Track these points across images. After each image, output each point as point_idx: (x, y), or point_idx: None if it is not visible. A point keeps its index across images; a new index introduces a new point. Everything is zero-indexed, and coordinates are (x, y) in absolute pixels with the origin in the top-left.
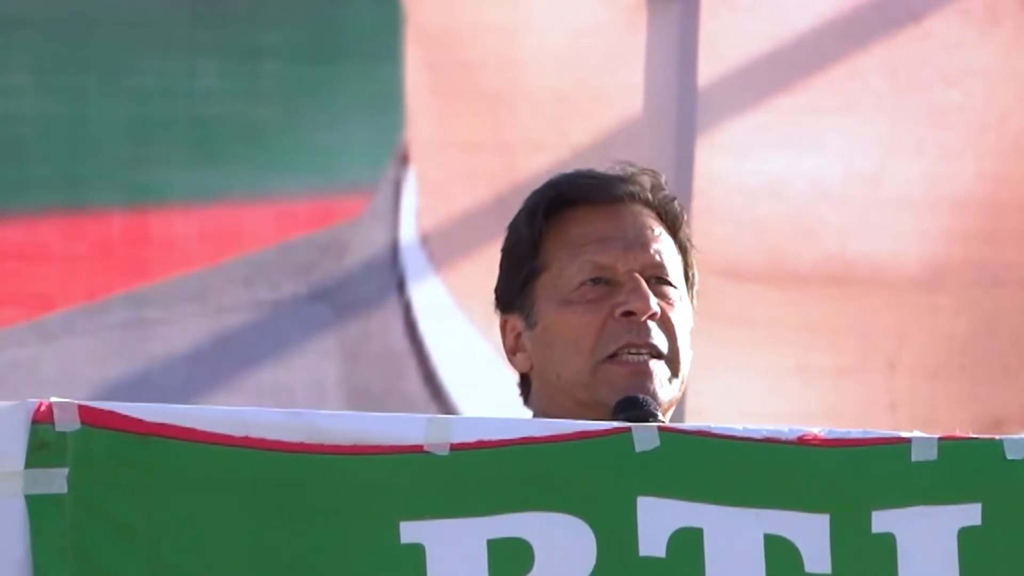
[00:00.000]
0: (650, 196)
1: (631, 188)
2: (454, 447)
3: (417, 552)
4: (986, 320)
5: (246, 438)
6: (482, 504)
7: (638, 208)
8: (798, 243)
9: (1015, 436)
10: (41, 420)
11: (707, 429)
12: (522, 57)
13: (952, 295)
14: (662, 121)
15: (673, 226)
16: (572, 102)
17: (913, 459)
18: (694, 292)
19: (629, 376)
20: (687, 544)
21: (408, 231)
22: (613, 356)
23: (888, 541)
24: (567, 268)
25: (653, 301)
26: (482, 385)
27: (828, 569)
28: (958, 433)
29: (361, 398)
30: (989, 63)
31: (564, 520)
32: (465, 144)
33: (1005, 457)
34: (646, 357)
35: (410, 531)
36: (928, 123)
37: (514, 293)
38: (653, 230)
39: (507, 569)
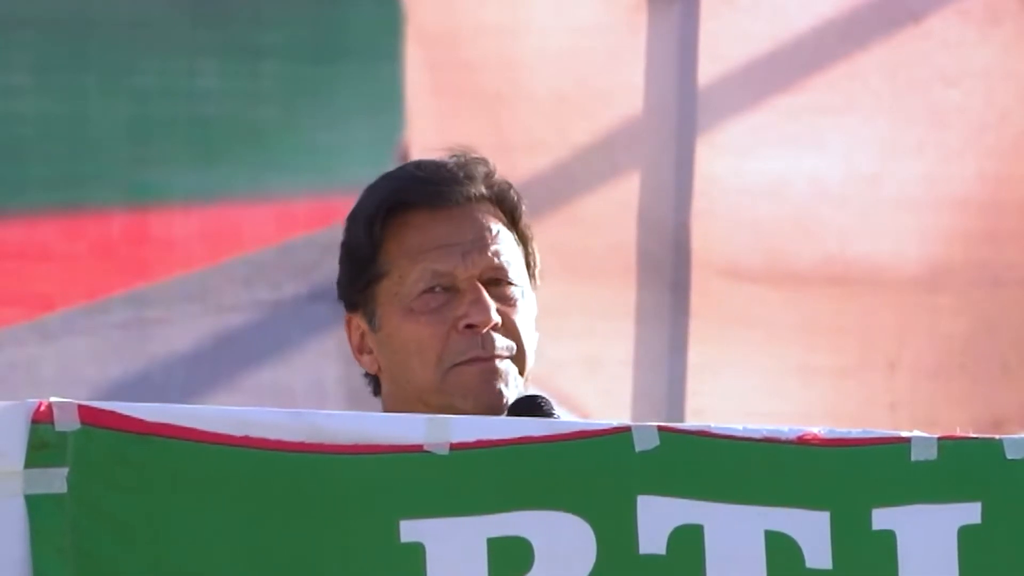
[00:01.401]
0: (485, 191)
1: (467, 188)
2: (454, 446)
3: (417, 551)
4: (986, 320)
5: (246, 438)
6: (482, 503)
7: (476, 207)
8: (798, 243)
9: (1015, 436)
10: (41, 420)
11: (707, 429)
12: (522, 57)
13: (952, 295)
14: (662, 121)
15: (512, 217)
16: (572, 102)
17: (913, 459)
18: (536, 276)
19: (478, 375)
20: (687, 541)
21: None
22: (457, 365)
23: (888, 538)
24: (407, 276)
25: (493, 311)
26: None
27: (829, 565)
28: (958, 433)
29: (361, 398)
30: (989, 63)
31: (564, 519)
32: (465, 144)
33: (1005, 457)
34: (494, 361)
35: (410, 530)
36: (928, 123)
37: (356, 294)
38: (491, 229)
39: (507, 568)
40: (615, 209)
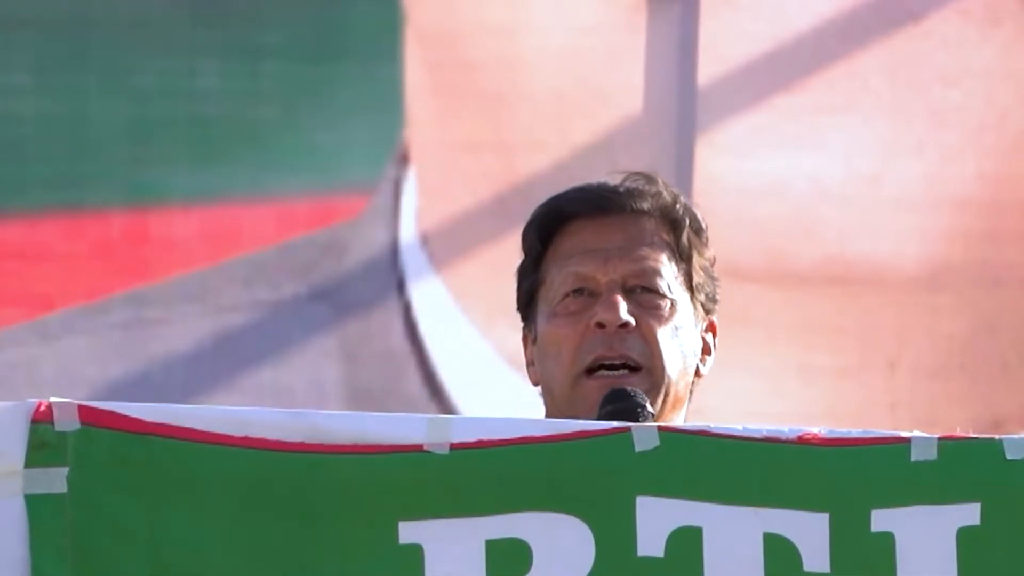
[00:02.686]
0: (646, 205)
1: (624, 200)
2: (454, 447)
3: (416, 552)
4: (986, 320)
5: (246, 438)
6: (481, 504)
7: (632, 217)
8: (798, 243)
9: (1015, 436)
10: (41, 420)
11: (707, 429)
12: (522, 57)
13: (952, 295)
14: (662, 121)
15: (674, 232)
16: (572, 102)
17: (913, 459)
18: (702, 297)
19: (600, 391)
20: (686, 543)
21: (408, 231)
22: (591, 371)
23: (887, 540)
24: (555, 281)
25: (623, 311)
26: (482, 385)
27: (827, 568)
28: (958, 433)
29: (361, 398)
30: (989, 63)
31: (563, 520)
32: (465, 144)
33: (1005, 457)
34: (624, 372)
35: (409, 531)
36: (928, 123)
37: (524, 307)
38: (642, 239)
39: (505, 570)
40: None
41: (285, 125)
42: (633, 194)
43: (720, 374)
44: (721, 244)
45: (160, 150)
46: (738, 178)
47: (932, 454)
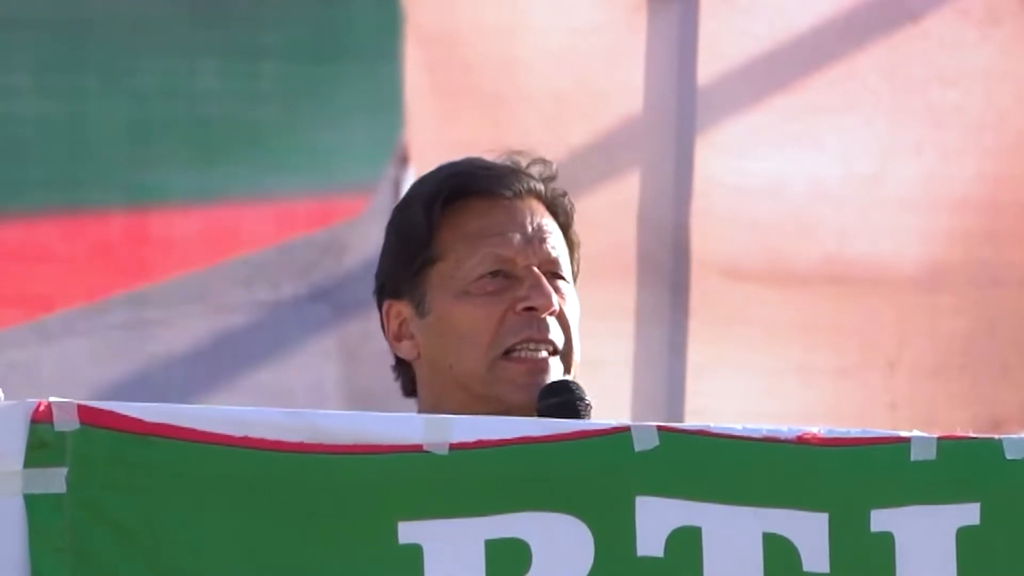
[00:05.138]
0: (543, 190)
1: (528, 183)
2: (453, 447)
3: (415, 553)
4: (986, 320)
5: (246, 438)
6: (480, 504)
7: (533, 203)
8: (797, 243)
9: (1014, 436)
10: (40, 420)
11: (707, 428)
12: (522, 57)
13: (952, 295)
14: (662, 121)
15: (565, 222)
16: (572, 102)
17: (912, 459)
18: (576, 287)
19: (526, 374)
20: (685, 543)
21: None
22: (510, 351)
23: (886, 540)
24: (466, 260)
25: (555, 298)
26: None
27: (826, 568)
28: (958, 433)
29: (361, 398)
30: (988, 63)
31: (562, 520)
32: (465, 144)
33: (1004, 457)
34: (545, 353)
35: (408, 531)
36: (927, 123)
37: (403, 280)
38: (548, 224)
39: (505, 570)
40: (614, 209)
41: (285, 125)
42: (530, 176)
43: (720, 374)
44: (721, 244)
45: (160, 150)
46: (737, 178)
47: (931, 454)
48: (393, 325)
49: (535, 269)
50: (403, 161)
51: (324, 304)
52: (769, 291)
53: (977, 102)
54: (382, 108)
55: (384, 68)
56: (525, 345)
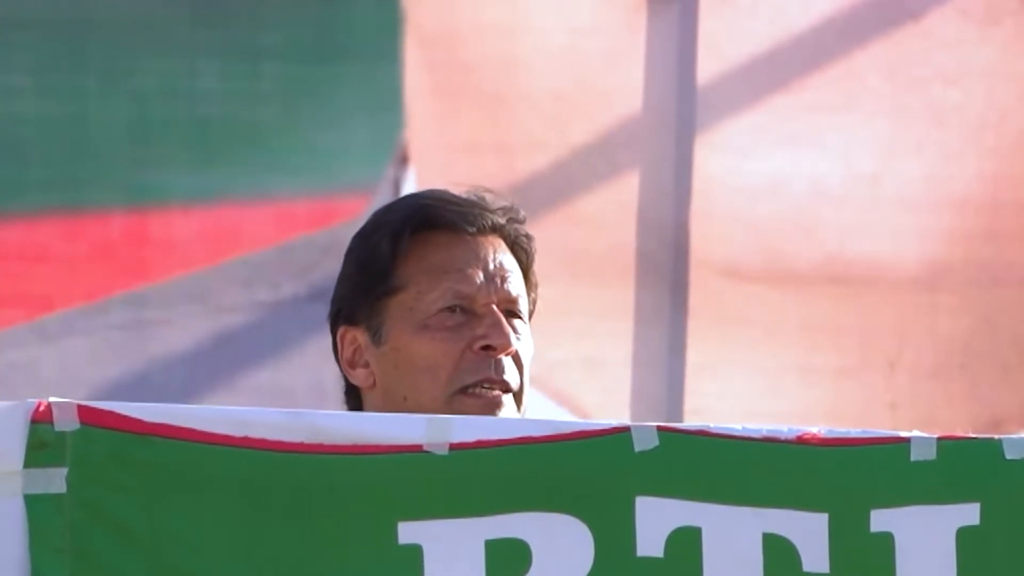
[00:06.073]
0: (507, 228)
1: (492, 220)
2: (453, 447)
3: (415, 553)
4: (986, 320)
5: (246, 438)
6: (481, 504)
7: (496, 240)
8: (798, 243)
9: (1014, 436)
10: (40, 420)
11: (706, 429)
12: (522, 57)
13: (952, 295)
14: (662, 121)
15: (525, 263)
16: (572, 102)
17: (912, 459)
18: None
19: (481, 410)
20: (685, 544)
21: None
22: (467, 388)
23: (886, 540)
24: (427, 293)
25: (513, 338)
26: None
27: (826, 568)
28: (958, 433)
29: None
30: (989, 63)
31: (562, 520)
32: (465, 144)
33: (1004, 457)
34: (499, 392)
35: (408, 531)
36: (927, 123)
37: (361, 307)
38: (509, 263)
39: (505, 570)
40: (614, 209)
41: (285, 125)
42: (494, 212)
43: (720, 374)
44: (721, 244)
45: (160, 151)
46: (737, 178)
47: (931, 454)
48: (347, 352)
49: (495, 308)
50: (403, 161)
51: (324, 304)
52: (769, 291)
53: (978, 101)
54: (382, 108)
55: (384, 68)
56: (482, 384)
